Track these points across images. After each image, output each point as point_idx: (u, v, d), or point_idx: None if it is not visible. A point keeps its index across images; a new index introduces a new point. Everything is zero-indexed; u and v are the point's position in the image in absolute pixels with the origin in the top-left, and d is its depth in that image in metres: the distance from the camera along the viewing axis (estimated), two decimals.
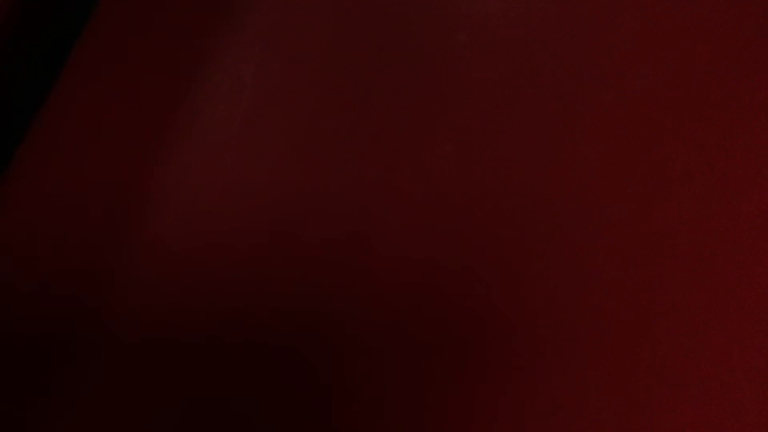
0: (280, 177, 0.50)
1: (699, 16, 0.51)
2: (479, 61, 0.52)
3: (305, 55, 0.54)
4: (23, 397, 0.46)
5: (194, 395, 0.45)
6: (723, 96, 0.48)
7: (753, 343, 0.42)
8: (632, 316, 0.44)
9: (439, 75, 0.52)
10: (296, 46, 0.54)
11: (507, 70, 0.51)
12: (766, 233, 0.44)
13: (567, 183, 0.47)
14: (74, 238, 0.50)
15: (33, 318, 0.48)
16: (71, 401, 0.46)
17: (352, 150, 0.50)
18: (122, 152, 0.52)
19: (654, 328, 0.43)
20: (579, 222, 0.46)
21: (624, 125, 0.48)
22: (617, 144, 0.48)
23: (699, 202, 0.46)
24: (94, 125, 0.53)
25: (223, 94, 0.53)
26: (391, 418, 0.44)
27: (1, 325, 0.49)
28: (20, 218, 0.52)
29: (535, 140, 0.49)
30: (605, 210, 0.46)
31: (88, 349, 0.47)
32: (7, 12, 0.56)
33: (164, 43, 0.55)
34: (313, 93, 0.52)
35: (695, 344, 0.43)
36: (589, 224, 0.46)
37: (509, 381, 0.43)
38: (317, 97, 0.52)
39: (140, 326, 0.47)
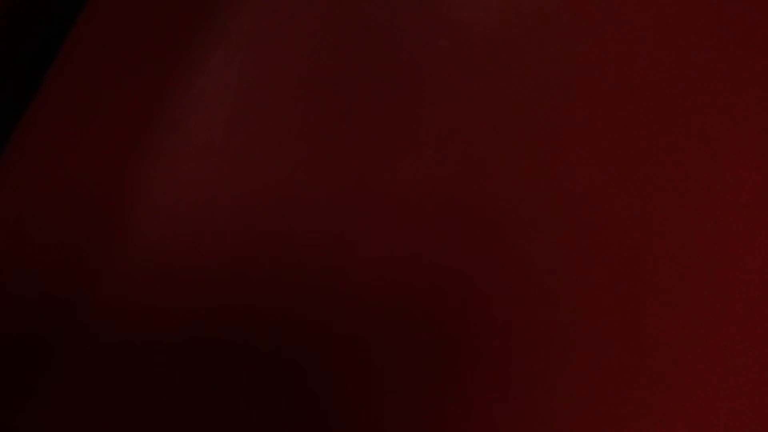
0: (263, 180, 0.51)
1: (685, 19, 0.52)
2: (460, 67, 0.52)
3: (289, 60, 0.54)
4: (9, 397, 0.46)
5: (180, 395, 0.46)
6: (707, 100, 0.49)
7: (751, 341, 0.43)
8: (625, 315, 0.44)
9: (420, 80, 0.52)
10: (280, 51, 0.54)
11: (488, 75, 0.52)
12: (757, 231, 0.45)
13: (550, 185, 0.48)
14: (58, 239, 0.50)
15: (18, 318, 0.48)
16: (57, 401, 0.46)
17: (336, 153, 0.51)
18: (107, 154, 0.52)
19: (649, 328, 0.44)
20: (564, 223, 0.47)
21: (608, 128, 0.49)
22: (601, 146, 0.49)
23: (689, 202, 0.46)
24: (79, 126, 0.53)
25: (207, 98, 0.53)
26: (382, 419, 0.44)
27: None
28: (3, 217, 0.52)
29: (516, 144, 0.49)
30: (590, 211, 0.47)
31: (74, 348, 0.47)
32: None
33: (148, 47, 0.55)
34: (297, 97, 0.53)
35: (691, 343, 0.43)
36: (574, 225, 0.47)
37: (506, 381, 0.44)
38: (300, 101, 0.53)
39: (126, 326, 0.47)
